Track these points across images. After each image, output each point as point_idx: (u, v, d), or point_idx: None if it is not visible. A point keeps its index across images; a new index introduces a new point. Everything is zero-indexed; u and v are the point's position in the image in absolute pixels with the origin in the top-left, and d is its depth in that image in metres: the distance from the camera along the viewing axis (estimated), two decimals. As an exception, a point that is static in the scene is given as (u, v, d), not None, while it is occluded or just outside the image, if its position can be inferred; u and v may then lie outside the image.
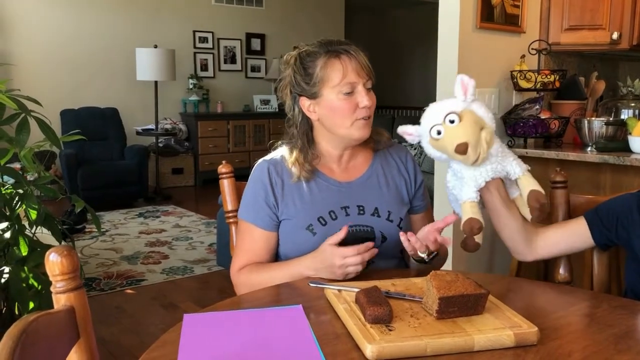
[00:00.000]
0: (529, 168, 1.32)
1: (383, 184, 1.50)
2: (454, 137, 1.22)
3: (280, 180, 1.45)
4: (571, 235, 1.42)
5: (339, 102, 1.38)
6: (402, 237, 1.32)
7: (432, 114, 1.28)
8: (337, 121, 1.40)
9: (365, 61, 1.40)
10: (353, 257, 1.26)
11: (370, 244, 1.28)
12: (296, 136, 1.47)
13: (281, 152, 1.50)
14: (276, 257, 1.50)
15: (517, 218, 1.38)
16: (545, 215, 1.33)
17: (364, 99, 1.37)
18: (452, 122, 1.23)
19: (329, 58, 1.38)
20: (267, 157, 1.51)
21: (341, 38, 1.46)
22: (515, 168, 1.30)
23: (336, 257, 1.27)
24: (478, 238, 1.33)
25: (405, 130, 1.35)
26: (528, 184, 1.29)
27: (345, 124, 1.40)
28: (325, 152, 1.49)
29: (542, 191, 1.28)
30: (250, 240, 1.46)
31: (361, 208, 1.45)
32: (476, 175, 1.28)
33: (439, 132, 1.25)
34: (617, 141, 2.63)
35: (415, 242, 1.31)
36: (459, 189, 1.33)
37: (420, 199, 1.55)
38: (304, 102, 1.43)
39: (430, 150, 1.32)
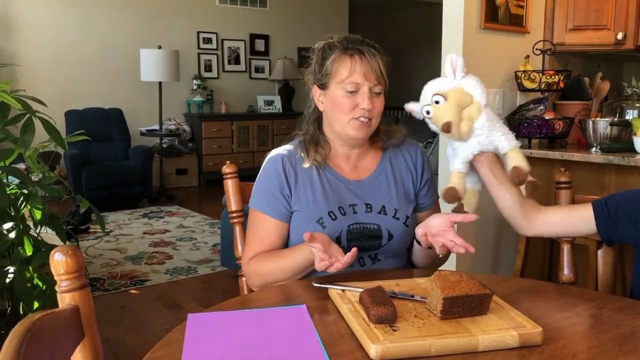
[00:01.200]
0: (519, 144, 1.33)
1: (391, 182, 1.52)
2: (439, 116, 1.31)
3: (294, 171, 1.47)
4: (575, 219, 1.41)
5: (340, 98, 1.41)
6: (418, 230, 1.39)
7: (424, 94, 1.35)
8: (336, 115, 1.43)
9: (379, 66, 1.41)
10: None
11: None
12: (309, 121, 1.52)
13: (294, 143, 1.53)
14: None
15: (512, 192, 1.40)
16: (533, 189, 1.36)
17: (364, 102, 1.39)
18: (437, 102, 1.31)
19: (342, 54, 1.41)
20: (280, 148, 1.53)
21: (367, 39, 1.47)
22: (502, 143, 1.33)
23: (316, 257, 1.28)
24: (468, 208, 1.41)
25: (411, 108, 1.44)
26: (513, 160, 1.32)
27: (342, 120, 1.43)
28: (332, 144, 1.51)
29: (526, 168, 1.29)
30: (263, 230, 1.46)
31: (369, 206, 1.47)
32: (465, 149, 1.35)
33: (428, 112, 1.33)
34: (622, 142, 2.62)
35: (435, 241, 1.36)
36: (451, 159, 1.41)
37: (425, 196, 1.56)
38: (316, 91, 1.48)
39: (430, 125, 1.42)
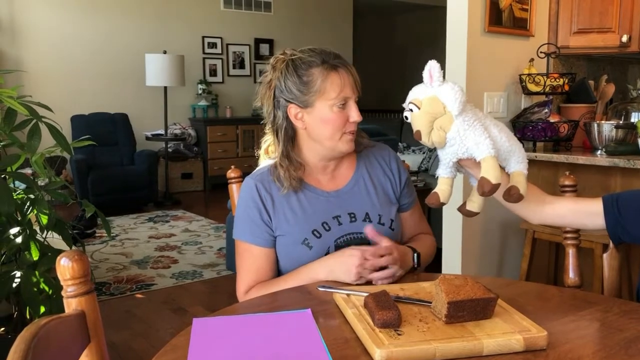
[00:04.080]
0: (492, 154, 1.30)
1: (370, 188, 1.51)
2: (413, 124, 1.31)
3: (270, 195, 1.44)
4: (583, 213, 1.40)
5: (332, 115, 1.38)
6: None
7: (406, 100, 1.35)
8: (327, 133, 1.40)
9: (357, 77, 1.43)
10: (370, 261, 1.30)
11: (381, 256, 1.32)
12: (279, 142, 1.45)
13: (266, 166, 1.49)
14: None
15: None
16: (517, 199, 1.33)
17: (355, 114, 1.40)
18: (411, 110, 1.30)
19: (328, 71, 1.38)
20: (253, 173, 1.49)
21: (331, 48, 1.46)
22: (475, 152, 1.31)
23: (355, 257, 1.30)
24: (470, 206, 1.38)
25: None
26: (482, 170, 1.28)
27: (334, 137, 1.41)
28: (308, 162, 1.47)
29: (492, 179, 1.26)
30: (252, 260, 1.44)
31: (352, 215, 1.45)
32: (444, 156, 1.34)
33: (406, 118, 1.33)
34: (627, 144, 2.62)
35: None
36: (439, 165, 1.41)
37: (406, 196, 1.57)
38: (292, 110, 1.41)
39: None
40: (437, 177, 1.37)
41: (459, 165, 1.36)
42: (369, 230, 1.36)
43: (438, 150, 1.35)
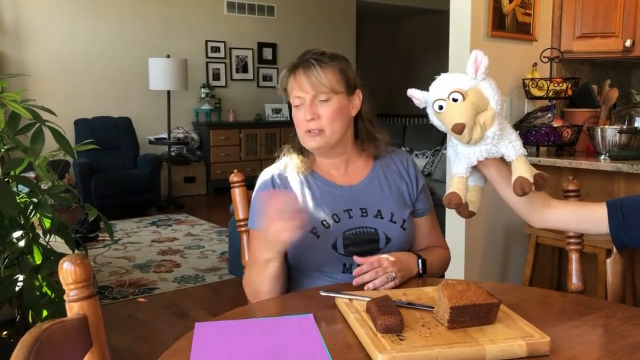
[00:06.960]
0: (526, 153, 1.29)
1: (385, 187, 1.52)
2: (453, 115, 1.22)
3: (284, 187, 1.49)
4: (586, 218, 1.39)
5: (293, 113, 1.47)
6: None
7: (440, 87, 1.26)
8: (296, 130, 1.49)
9: (320, 74, 1.41)
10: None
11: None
12: (293, 132, 1.54)
13: (283, 161, 1.55)
14: None
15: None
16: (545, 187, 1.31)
17: (306, 113, 1.43)
18: (455, 100, 1.22)
19: (288, 73, 1.47)
20: (270, 167, 1.56)
21: (327, 49, 1.50)
22: (509, 151, 1.27)
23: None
24: (472, 207, 1.36)
25: (413, 95, 1.35)
26: (517, 170, 1.25)
27: (299, 134, 1.48)
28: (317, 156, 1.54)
29: (530, 179, 1.24)
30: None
31: (364, 210, 1.47)
32: (469, 154, 1.28)
33: (440, 107, 1.24)
34: (631, 149, 2.61)
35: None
36: (453, 162, 1.34)
37: (422, 202, 1.57)
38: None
39: (432, 118, 1.31)
40: (453, 175, 1.31)
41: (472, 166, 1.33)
42: (356, 259, 1.37)
43: (461, 147, 1.29)
